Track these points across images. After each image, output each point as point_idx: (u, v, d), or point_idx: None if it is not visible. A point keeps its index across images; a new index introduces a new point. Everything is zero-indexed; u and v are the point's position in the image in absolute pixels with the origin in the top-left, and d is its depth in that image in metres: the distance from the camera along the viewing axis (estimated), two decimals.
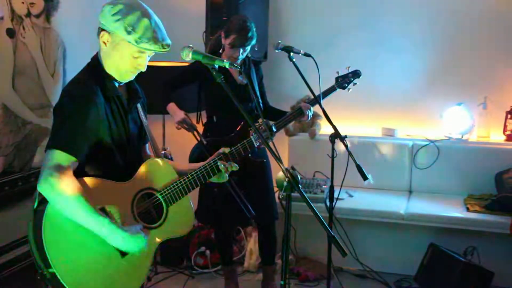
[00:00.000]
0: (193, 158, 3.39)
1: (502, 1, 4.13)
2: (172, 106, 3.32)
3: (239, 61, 3.33)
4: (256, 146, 2.68)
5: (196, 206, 3.59)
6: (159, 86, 3.39)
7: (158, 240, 2.18)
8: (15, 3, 3.21)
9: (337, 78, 3.34)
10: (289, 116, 3.29)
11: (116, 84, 2.16)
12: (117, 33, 2.02)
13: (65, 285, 1.92)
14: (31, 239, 1.98)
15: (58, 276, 1.91)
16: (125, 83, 2.21)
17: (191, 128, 3.24)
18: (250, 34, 3.22)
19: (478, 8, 4.19)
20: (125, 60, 2.08)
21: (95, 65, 2.13)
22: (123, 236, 1.99)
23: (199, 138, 3.22)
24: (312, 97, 3.22)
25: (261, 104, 3.45)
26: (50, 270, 1.92)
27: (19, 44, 3.26)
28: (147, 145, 2.38)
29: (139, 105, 2.28)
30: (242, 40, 3.21)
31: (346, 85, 3.35)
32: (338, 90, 3.36)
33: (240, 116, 3.03)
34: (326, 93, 3.30)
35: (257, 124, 2.79)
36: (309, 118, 3.36)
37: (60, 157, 1.94)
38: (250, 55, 3.46)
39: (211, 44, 3.48)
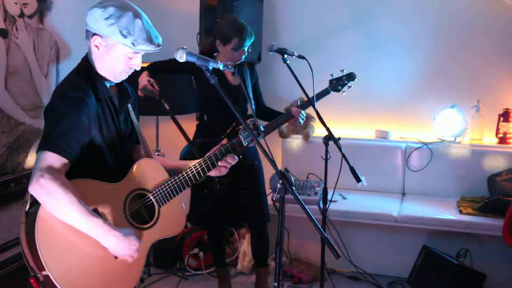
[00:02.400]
0: (182, 158, 3.37)
1: (496, 5, 4.15)
2: (143, 74, 3.25)
3: (238, 62, 3.32)
4: (245, 145, 2.68)
5: (188, 209, 3.59)
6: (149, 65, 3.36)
7: (150, 240, 2.18)
8: (8, 3, 3.19)
9: (331, 81, 3.34)
10: (279, 120, 3.29)
11: (108, 85, 2.16)
12: (112, 36, 2.01)
13: (59, 287, 1.91)
14: (23, 241, 1.97)
15: (52, 279, 1.90)
16: (116, 84, 2.20)
17: (153, 94, 3.18)
18: (249, 30, 3.24)
19: (472, 12, 4.20)
20: (120, 62, 2.07)
21: (85, 67, 2.12)
22: (117, 237, 1.98)
23: (167, 106, 3.15)
24: (305, 99, 3.22)
25: (253, 105, 3.45)
26: (44, 272, 1.91)
27: (12, 44, 3.24)
28: (138, 146, 2.37)
29: (130, 106, 2.27)
30: (244, 40, 3.22)
31: (340, 87, 3.34)
32: (333, 92, 3.36)
33: (231, 117, 3.04)
34: (320, 95, 3.30)
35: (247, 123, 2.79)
36: (302, 123, 3.36)
37: (51, 159, 1.92)
38: None
39: (205, 50, 3.44)
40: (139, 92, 3.22)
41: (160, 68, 3.38)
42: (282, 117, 3.30)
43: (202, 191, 3.24)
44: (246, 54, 3.30)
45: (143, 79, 3.22)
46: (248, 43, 3.25)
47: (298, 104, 3.35)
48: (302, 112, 3.30)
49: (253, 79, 3.51)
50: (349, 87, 3.36)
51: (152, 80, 3.19)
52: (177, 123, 3.17)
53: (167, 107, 2.98)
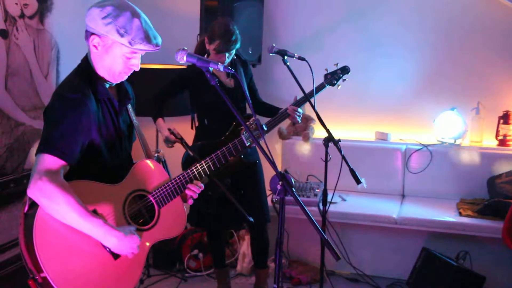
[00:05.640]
0: (184, 161, 3.37)
1: (496, 8, 4.16)
2: (159, 122, 3.30)
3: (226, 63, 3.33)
4: (247, 145, 2.68)
5: (188, 209, 3.59)
6: (149, 100, 3.37)
7: (150, 242, 2.18)
8: (8, 4, 3.19)
9: (326, 75, 3.36)
10: (275, 119, 3.29)
11: (107, 86, 2.15)
12: (109, 36, 2.01)
13: None
14: (21, 243, 1.97)
15: (50, 281, 1.90)
16: (116, 84, 2.20)
17: (177, 141, 3.19)
18: (234, 38, 3.21)
19: (472, 14, 4.21)
20: (119, 62, 2.07)
21: (85, 68, 2.12)
22: (118, 237, 1.98)
23: (191, 153, 3.16)
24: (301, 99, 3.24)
25: (251, 104, 3.46)
26: (42, 274, 1.90)
27: (12, 45, 3.24)
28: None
29: (129, 106, 2.27)
30: (226, 45, 3.19)
31: (335, 81, 3.37)
32: (332, 93, 3.36)
33: (231, 119, 3.03)
34: (316, 90, 3.30)
35: (248, 123, 2.79)
36: (300, 120, 3.36)
37: (50, 161, 1.92)
38: (235, 57, 3.46)
39: (195, 49, 3.45)
40: (166, 145, 3.22)
41: (163, 98, 3.39)
42: (278, 116, 3.30)
43: (206, 193, 3.23)
44: (228, 60, 3.29)
45: (163, 130, 3.21)
46: (231, 49, 3.22)
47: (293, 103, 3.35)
48: (298, 109, 3.30)
49: (248, 77, 3.51)
50: (343, 80, 3.38)
51: (172, 128, 3.19)
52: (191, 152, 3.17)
53: (191, 153, 3.00)
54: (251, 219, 2.67)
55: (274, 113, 3.37)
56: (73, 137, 1.97)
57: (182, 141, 2.99)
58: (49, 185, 1.87)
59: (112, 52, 2.05)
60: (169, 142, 3.19)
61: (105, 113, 2.12)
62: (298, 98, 3.36)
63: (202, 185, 2.35)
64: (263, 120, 3.33)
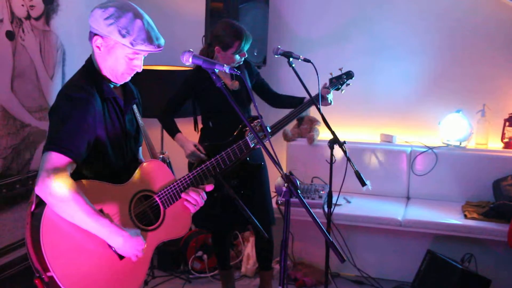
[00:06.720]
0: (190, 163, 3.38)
1: (501, 9, 4.15)
2: (179, 137, 3.31)
3: (236, 64, 3.33)
4: (251, 146, 2.68)
5: None
6: (158, 116, 3.40)
7: (155, 242, 2.18)
8: (15, 6, 3.21)
9: (331, 80, 3.36)
10: (303, 106, 3.28)
11: (112, 86, 2.16)
12: (111, 37, 2.02)
13: None
14: (28, 242, 1.97)
15: (57, 280, 1.91)
16: (121, 84, 2.20)
17: (202, 156, 3.20)
18: (247, 31, 3.24)
19: (477, 16, 4.20)
20: (121, 63, 2.08)
21: (90, 68, 2.13)
22: (124, 237, 1.99)
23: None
24: (333, 81, 3.28)
25: (256, 106, 3.45)
26: (49, 274, 1.91)
27: (18, 46, 3.26)
28: (140, 148, 2.37)
29: (134, 106, 2.28)
30: (246, 41, 3.22)
31: (340, 86, 3.38)
32: (337, 96, 3.36)
33: (236, 121, 3.03)
34: (321, 94, 3.30)
35: (252, 124, 2.79)
36: (331, 103, 3.36)
37: (57, 159, 1.93)
38: None
39: (200, 54, 3.44)
40: (190, 160, 3.24)
41: (174, 109, 3.40)
42: (305, 104, 3.29)
43: (211, 195, 3.23)
44: (246, 55, 3.32)
45: (188, 145, 3.23)
46: (248, 44, 3.26)
47: (327, 85, 3.36)
48: (330, 91, 3.32)
49: (253, 77, 3.51)
50: (347, 85, 3.39)
51: (197, 143, 3.22)
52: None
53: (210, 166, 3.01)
54: (267, 236, 2.66)
55: (295, 101, 3.38)
56: (79, 135, 1.98)
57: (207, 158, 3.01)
58: (57, 183, 1.88)
59: (115, 52, 2.06)
60: (194, 157, 3.20)
61: (111, 112, 2.13)
62: (309, 96, 3.35)
63: (204, 194, 2.31)
64: (284, 112, 3.31)
